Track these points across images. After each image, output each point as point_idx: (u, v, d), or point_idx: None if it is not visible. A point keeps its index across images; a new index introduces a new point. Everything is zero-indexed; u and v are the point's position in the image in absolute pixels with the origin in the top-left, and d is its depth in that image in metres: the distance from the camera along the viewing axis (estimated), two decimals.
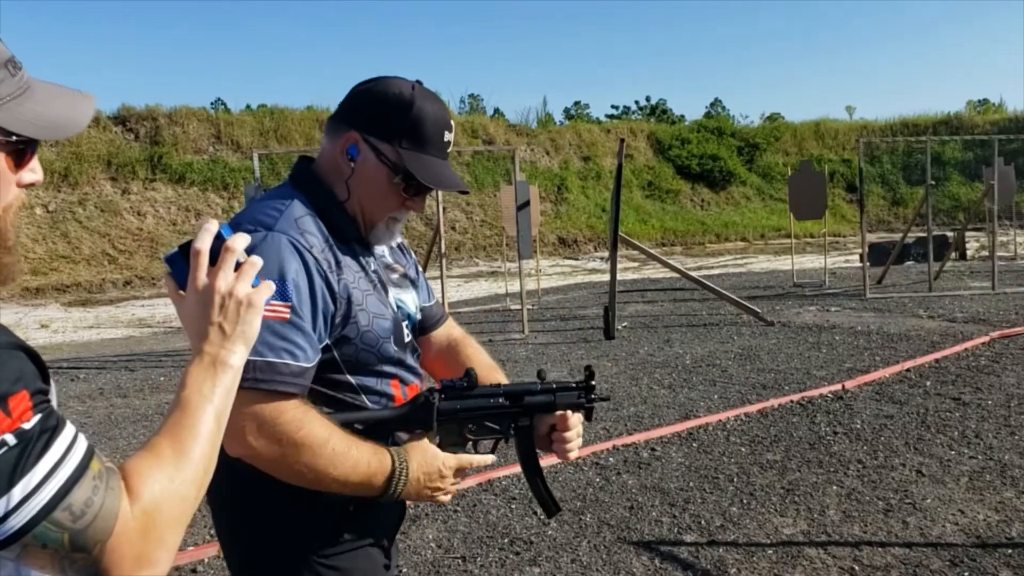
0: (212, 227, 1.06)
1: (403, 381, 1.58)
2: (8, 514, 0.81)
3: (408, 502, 1.64)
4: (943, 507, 3.94)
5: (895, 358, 7.26)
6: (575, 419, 1.60)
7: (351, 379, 1.50)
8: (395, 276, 1.63)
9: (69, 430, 0.86)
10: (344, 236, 1.50)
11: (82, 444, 0.87)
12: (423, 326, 1.73)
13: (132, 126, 20.95)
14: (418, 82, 1.52)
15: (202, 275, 1.05)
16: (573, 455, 1.64)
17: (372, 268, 1.55)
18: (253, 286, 1.07)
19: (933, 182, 12.16)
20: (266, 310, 1.32)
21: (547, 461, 3.96)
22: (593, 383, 1.58)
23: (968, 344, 7.65)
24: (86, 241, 18.29)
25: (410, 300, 1.65)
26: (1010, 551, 3.44)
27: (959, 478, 4.32)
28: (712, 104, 38.11)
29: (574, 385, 1.57)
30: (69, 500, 0.84)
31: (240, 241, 1.07)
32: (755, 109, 67.51)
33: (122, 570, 0.86)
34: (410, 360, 1.60)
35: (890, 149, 29.81)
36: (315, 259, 1.41)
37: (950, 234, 15.83)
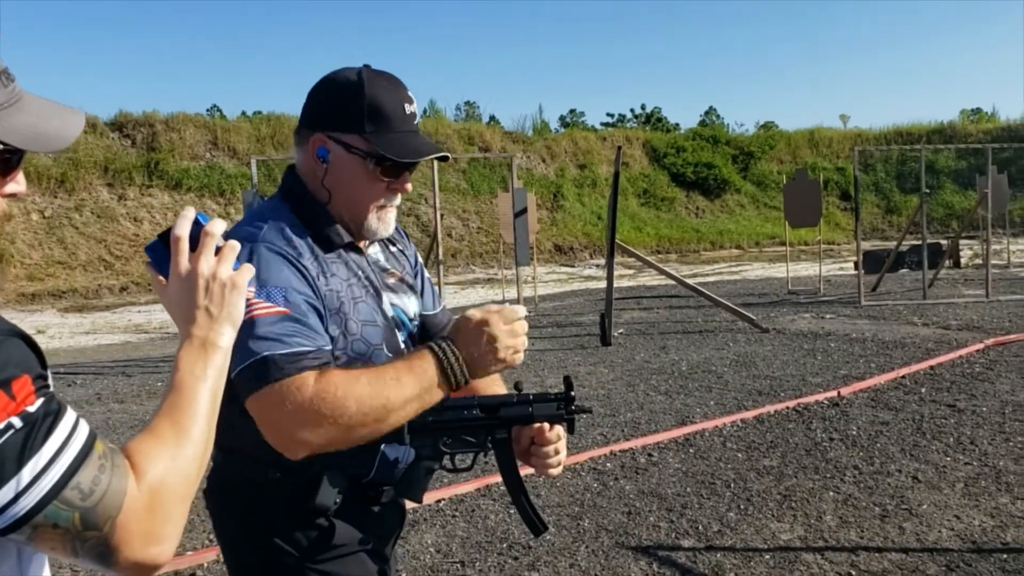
0: (190, 214, 1.08)
1: None
2: (19, 495, 0.82)
3: (411, 504, 1.61)
4: (939, 513, 3.97)
5: (890, 365, 7.30)
6: (554, 433, 1.54)
7: None
8: (391, 280, 1.59)
9: (71, 414, 0.88)
10: (331, 244, 1.48)
11: (84, 426, 0.89)
12: (429, 334, 1.67)
13: (129, 132, 20.93)
14: (366, 66, 1.48)
15: (184, 260, 1.06)
16: (555, 471, 1.57)
17: (365, 274, 1.53)
18: (233, 269, 1.09)
19: (928, 190, 12.23)
20: (258, 309, 1.33)
21: None
22: (572, 394, 1.52)
23: (963, 351, 7.70)
24: (82, 247, 18.26)
25: (408, 306, 1.61)
26: (1005, 556, 3.47)
27: (955, 484, 4.35)
28: (707, 112, 38.12)
29: (552, 396, 1.52)
30: (78, 479, 0.85)
31: (218, 226, 1.08)
32: (749, 117, 67.91)
33: (131, 546, 0.88)
34: None
35: (884, 158, 29.91)
36: (304, 265, 1.41)
37: (944, 242, 15.89)
